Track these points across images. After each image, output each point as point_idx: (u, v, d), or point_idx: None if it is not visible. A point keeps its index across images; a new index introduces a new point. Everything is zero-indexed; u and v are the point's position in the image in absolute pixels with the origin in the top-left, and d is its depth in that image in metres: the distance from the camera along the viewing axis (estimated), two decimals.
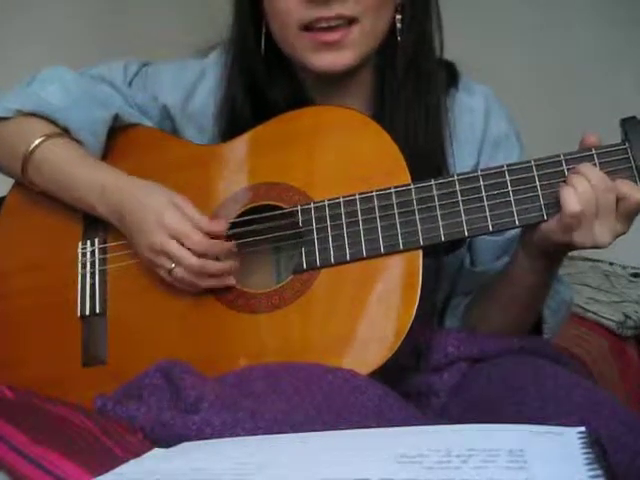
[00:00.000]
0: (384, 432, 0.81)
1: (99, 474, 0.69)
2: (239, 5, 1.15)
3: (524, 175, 1.00)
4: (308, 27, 1.05)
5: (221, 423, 0.83)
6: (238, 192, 1.09)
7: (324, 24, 1.05)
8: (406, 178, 1.02)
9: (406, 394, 0.99)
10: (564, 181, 0.97)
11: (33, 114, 1.13)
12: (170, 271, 1.03)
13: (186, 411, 0.88)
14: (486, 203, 0.99)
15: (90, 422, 0.85)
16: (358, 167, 1.05)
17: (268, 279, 1.11)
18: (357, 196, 1.03)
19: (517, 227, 1.01)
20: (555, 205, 0.97)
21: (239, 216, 1.08)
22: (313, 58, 1.07)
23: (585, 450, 0.65)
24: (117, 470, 0.71)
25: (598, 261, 2.36)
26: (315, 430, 0.82)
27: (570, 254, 1.09)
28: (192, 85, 1.20)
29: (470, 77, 1.19)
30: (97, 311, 1.09)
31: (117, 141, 1.17)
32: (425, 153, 1.10)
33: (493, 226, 0.99)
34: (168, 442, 0.83)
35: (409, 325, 0.96)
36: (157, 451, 0.80)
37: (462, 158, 1.14)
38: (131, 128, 1.18)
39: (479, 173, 1.01)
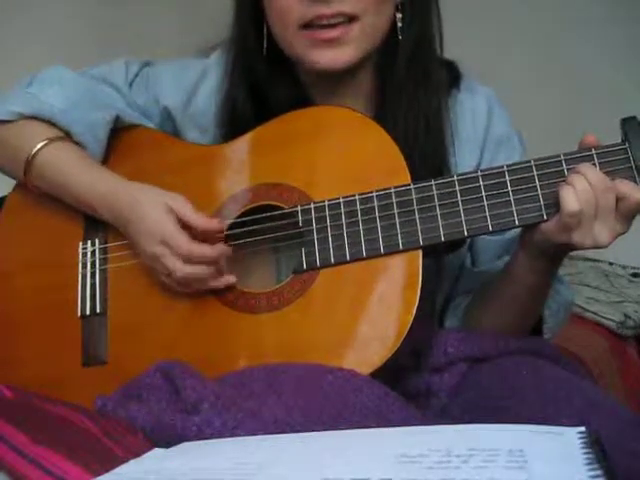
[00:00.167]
0: (384, 432, 0.81)
1: (99, 474, 0.69)
2: (240, 4, 1.15)
3: (524, 175, 1.00)
4: (308, 25, 1.05)
5: (221, 424, 0.83)
6: (238, 192, 1.09)
7: (324, 22, 1.05)
8: (406, 178, 1.02)
9: (406, 394, 0.99)
10: (564, 181, 0.97)
11: (34, 117, 1.13)
12: (168, 275, 1.03)
13: (186, 412, 0.88)
14: (486, 203, 0.99)
15: (90, 422, 0.85)
16: (358, 167, 1.05)
17: (268, 279, 1.11)
18: (357, 196, 1.03)
19: (517, 227, 1.01)
20: (555, 205, 0.97)
21: (239, 216, 1.08)
22: (313, 56, 1.07)
23: (585, 450, 0.64)
24: (117, 470, 0.71)
25: (598, 261, 2.37)
26: (315, 430, 0.82)
27: (570, 254, 1.09)
28: (193, 86, 1.20)
29: (471, 77, 1.19)
30: (97, 311, 1.09)
31: (118, 142, 1.17)
32: (426, 153, 1.10)
33: (493, 226, 0.99)
34: (168, 442, 0.83)
35: (409, 325, 0.96)
36: (157, 451, 0.80)
37: (464, 158, 1.14)
38: (132, 129, 1.18)
39: (479, 173, 1.01)
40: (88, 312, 1.10)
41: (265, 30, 1.12)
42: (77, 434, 0.81)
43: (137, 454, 0.77)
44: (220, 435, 0.82)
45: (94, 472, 0.70)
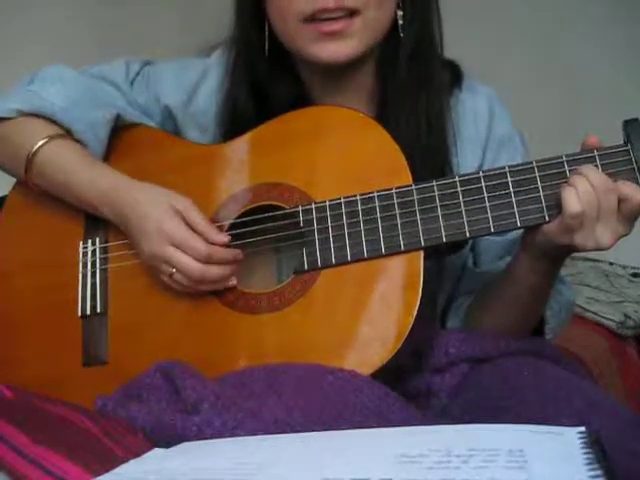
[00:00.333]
0: (384, 432, 0.81)
1: (99, 474, 0.69)
2: (240, 2, 1.14)
3: (526, 176, 1.00)
4: (309, 19, 1.05)
5: (221, 424, 0.83)
6: (238, 192, 1.08)
7: (325, 15, 1.04)
8: (407, 178, 1.02)
9: (406, 395, 0.99)
10: (566, 182, 0.97)
11: (35, 115, 1.13)
12: (170, 275, 1.03)
13: (186, 412, 0.88)
14: (488, 204, 0.99)
15: (90, 422, 0.85)
16: (359, 167, 1.05)
17: (269, 279, 1.11)
18: (358, 196, 1.03)
19: (518, 228, 1.01)
20: (557, 206, 0.97)
21: (240, 216, 1.08)
22: (315, 49, 1.06)
23: (585, 450, 0.65)
24: (117, 470, 0.71)
25: (598, 261, 2.37)
26: (315, 431, 0.82)
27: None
28: (194, 85, 1.20)
29: (473, 77, 1.19)
30: (98, 311, 1.09)
31: (119, 141, 1.17)
32: (428, 153, 1.09)
33: (495, 227, 0.99)
34: (168, 442, 0.83)
35: (410, 326, 0.96)
36: (157, 451, 0.80)
37: (466, 158, 1.14)
38: (133, 128, 1.18)
39: (481, 174, 1.01)
40: (88, 312, 1.10)
41: (267, 28, 1.12)
42: (77, 434, 0.81)
43: (137, 454, 0.77)
44: (220, 435, 0.82)
45: (94, 472, 0.70)
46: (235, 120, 1.15)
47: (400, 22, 1.10)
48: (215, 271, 1.02)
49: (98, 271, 1.11)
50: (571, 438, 0.68)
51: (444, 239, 0.99)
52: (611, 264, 2.36)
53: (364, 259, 1.00)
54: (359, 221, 1.02)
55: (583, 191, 0.95)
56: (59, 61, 1.21)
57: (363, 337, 0.98)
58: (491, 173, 1.01)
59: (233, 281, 1.04)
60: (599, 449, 0.64)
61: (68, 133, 1.13)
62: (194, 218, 1.04)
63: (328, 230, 1.03)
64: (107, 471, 0.70)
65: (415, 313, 0.97)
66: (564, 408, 0.89)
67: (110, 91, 1.21)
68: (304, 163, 1.08)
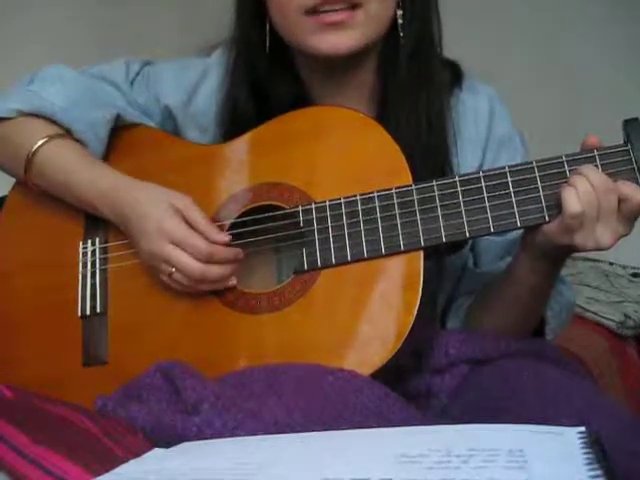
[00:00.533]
0: (384, 432, 0.81)
1: (99, 474, 0.69)
2: (241, 1, 1.14)
3: (526, 176, 1.00)
4: (310, 11, 1.04)
5: (221, 424, 0.83)
6: (238, 192, 1.08)
7: (327, 7, 1.04)
8: (407, 179, 1.02)
9: (406, 395, 0.98)
10: (566, 182, 0.97)
11: (35, 114, 1.13)
12: (170, 275, 1.03)
13: (186, 412, 0.88)
14: (487, 204, 0.99)
15: (90, 422, 0.85)
16: (359, 167, 1.05)
17: (269, 279, 1.11)
18: (358, 196, 1.03)
19: (518, 228, 1.01)
20: (557, 207, 0.97)
21: (240, 216, 1.08)
22: (314, 40, 1.06)
23: (585, 450, 0.65)
24: (117, 470, 0.71)
25: (598, 261, 2.37)
26: (316, 431, 0.82)
27: None
28: (194, 85, 1.20)
29: (473, 77, 1.19)
30: (98, 311, 1.09)
31: (119, 141, 1.17)
32: (428, 153, 1.09)
33: (494, 227, 0.99)
34: (168, 442, 0.83)
35: (410, 326, 0.96)
36: (157, 451, 0.80)
37: (466, 158, 1.14)
38: (133, 128, 1.18)
39: (481, 174, 1.01)
40: (88, 312, 1.10)
41: (267, 26, 1.11)
42: (77, 434, 0.81)
43: (137, 454, 0.77)
44: (220, 435, 0.82)
45: (94, 472, 0.70)
46: (235, 120, 1.15)
47: (400, 21, 1.10)
48: (215, 270, 1.02)
49: (98, 271, 1.11)
50: (571, 438, 0.68)
51: (444, 239, 0.99)
52: (611, 264, 2.36)
53: (364, 259, 1.00)
54: (359, 221, 1.02)
55: (583, 191, 0.95)
56: (59, 61, 1.21)
57: (363, 337, 0.98)
58: (491, 173, 1.01)
59: (233, 281, 1.04)
60: (599, 449, 0.64)
61: (68, 133, 1.13)
62: (195, 217, 1.03)
63: (328, 230, 1.03)
64: (107, 471, 0.70)
65: (415, 313, 0.97)
66: (564, 408, 0.89)
67: (110, 91, 1.21)
68: (304, 163, 1.08)
